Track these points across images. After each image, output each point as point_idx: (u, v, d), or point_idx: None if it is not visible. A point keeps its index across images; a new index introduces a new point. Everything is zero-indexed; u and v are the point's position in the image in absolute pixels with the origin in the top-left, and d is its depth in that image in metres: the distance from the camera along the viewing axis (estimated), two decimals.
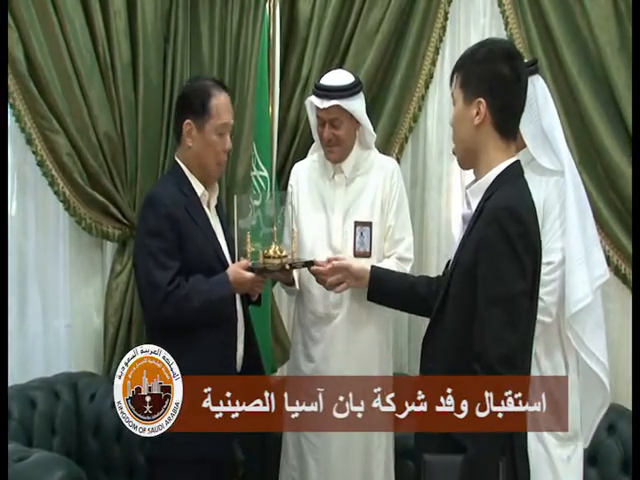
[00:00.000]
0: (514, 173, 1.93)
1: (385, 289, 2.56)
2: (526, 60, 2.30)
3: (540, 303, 2.11)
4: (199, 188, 2.46)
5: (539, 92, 2.45)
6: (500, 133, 1.93)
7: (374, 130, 2.95)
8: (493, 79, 1.91)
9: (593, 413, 2.57)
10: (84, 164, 3.23)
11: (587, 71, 3.11)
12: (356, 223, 2.87)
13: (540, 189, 2.36)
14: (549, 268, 2.35)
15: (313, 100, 2.82)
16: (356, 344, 2.76)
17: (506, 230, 1.80)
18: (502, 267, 1.81)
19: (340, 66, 3.42)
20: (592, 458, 2.99)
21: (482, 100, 1.91)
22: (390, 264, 2.76)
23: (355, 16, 3.44)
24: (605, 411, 2.60)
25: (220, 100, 2.46)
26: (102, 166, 3.28)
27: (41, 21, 3.08)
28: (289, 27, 3.54)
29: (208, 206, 2.51)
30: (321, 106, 2.78)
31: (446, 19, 3.39)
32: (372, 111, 3.35)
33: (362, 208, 2.88)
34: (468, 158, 2.00)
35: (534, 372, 2.23)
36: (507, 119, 1.95)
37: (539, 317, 2.09)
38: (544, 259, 2.14)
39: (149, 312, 2.39)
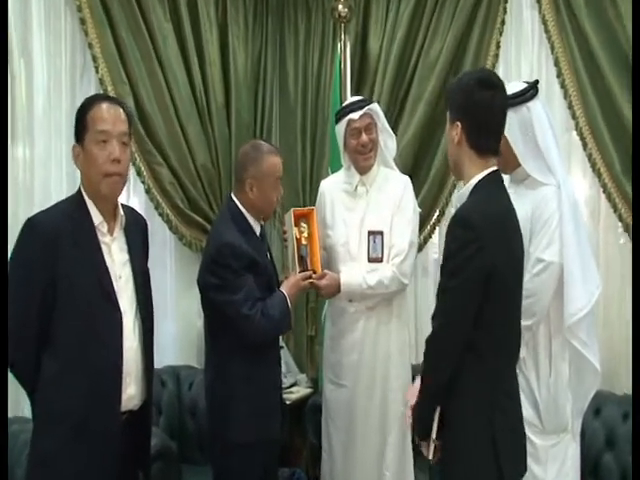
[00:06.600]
0: (490, 181, 2.10)
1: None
2: (528, 84, 2.49)
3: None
4: (97, 218, 2.15)
5: (534, 116, 2.49)
6: (476, 150, 2.10)
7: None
8: (467, 105, 2.09)
9: (583, 395, 2.59)
10: (185, 191, 3.66)
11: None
12: (369, 232, 3.06)
13: (531, 201, 2.47)
14: (541, 266, 2.43)
15: (350, 116, 3.00)
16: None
17: (454, 234, 2.03)
18: (444, 265, 2.06)
19: (405, 95, 3.77)
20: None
21: (459, 123, 2.10)
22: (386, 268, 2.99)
23: (418, 50, 3.73)
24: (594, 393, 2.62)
25: (98, 110, 2.10)
26: (200, 193, 3.72)
27: (149, 76, 3.49)
28: (361, 63, 3.90)
29: (111, 233, 2.19)
30: (357, 116, 2.98)
31: (498, 47, 3.57)
32: (433, 134, 3.67)
33: (375, 218, 3.06)
34: (455, 170, 2.22)
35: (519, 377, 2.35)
36: (481, 139, 2.10)
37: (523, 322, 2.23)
38: (536, 255, 2.40)
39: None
